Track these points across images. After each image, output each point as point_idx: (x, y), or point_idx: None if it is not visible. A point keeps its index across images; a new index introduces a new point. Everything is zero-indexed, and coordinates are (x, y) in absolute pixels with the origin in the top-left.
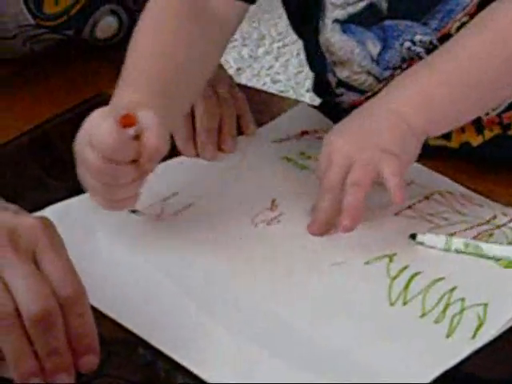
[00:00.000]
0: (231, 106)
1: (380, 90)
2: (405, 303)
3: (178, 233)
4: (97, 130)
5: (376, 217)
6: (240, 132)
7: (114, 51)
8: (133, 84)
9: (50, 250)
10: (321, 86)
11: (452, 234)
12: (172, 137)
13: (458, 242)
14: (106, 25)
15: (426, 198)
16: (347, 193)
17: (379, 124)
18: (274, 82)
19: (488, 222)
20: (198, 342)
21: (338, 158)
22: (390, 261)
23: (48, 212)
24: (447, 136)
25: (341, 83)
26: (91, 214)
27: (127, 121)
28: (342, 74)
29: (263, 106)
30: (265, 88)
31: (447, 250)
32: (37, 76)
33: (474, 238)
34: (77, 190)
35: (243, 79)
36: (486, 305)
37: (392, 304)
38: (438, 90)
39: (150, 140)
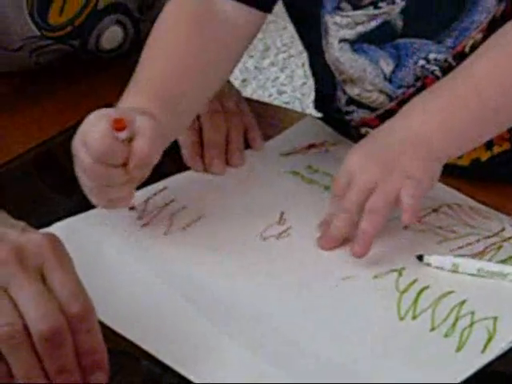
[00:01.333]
0: (238, 120)
1: (392, 108)
2: (414, 317)
3: (186, 247)
4: (90, 132)
5: (385, 231)
6: (247, 146)
7: (119, 65)
8: (138, 88)
9: (58, 267)
10: (325, 103)
11: (460, 248)
12: (180, 150)
13: (465, 266)
14: (112, 35)
15: (435, 210)
16: (365, 219)
17: (402, 147)
18: (280, 93)
19: (496, 234)
20: (208, 357)
21: (360, 180)
22: (399, 275)
23: (55, 228)
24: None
25: (351, 101)
26: (98, 230)
27: (119, 124)
28: (353, 91)
29: (269, 119)
30: (270, 99)
31: (455, 271)
32: (40, 91)
33: (482, 251)
34: (83, 205)
35: (249, 90)
36: (495, 318)
37: (402, 318)
38: (457, 114)
39: (139, 146)
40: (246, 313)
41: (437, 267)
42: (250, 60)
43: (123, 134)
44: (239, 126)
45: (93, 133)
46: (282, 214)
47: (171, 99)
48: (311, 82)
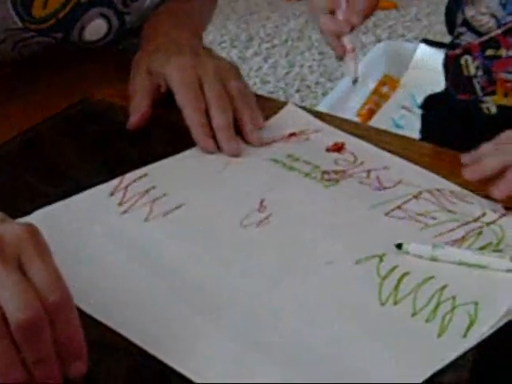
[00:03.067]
0: (243, 97)
1: (496, 36)
2: (395, 303)
3: (166, 234)
4: None
5: (366, 217)
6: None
7: (103, 53)
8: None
9: (36, 257)
10: (450, 24)
11: (441, 234)
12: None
13: (444, 256)
14: (95, 28)
15: (415, 197)
16: None
17: None
18: (264, 83)
19: (477, 219)
20: (189, 344)
21: None
22: (381, 261)
23: (34, 217)
24: None
25: (464, 22)
26: (78, 217)
27: None
28: (469, 13)
29: None
30: (254, 89)
31: (434, 259)
32: (23, 82)
33: (463, 237)
34: (67, 194)
35: None
36: (476, 303)
37: (383, 304)
38: None
39: None
40: (227, 300)
41: (415, 255)
42: (234, 50)
43: None
44: (244, 104)
45: None
46: (262, 201)
47: None
48: (295, 71)
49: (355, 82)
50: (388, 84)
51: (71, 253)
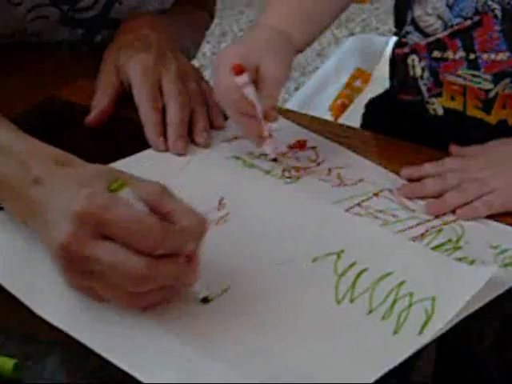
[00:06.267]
0: (202, 100)
1: (443, 38)
2: (352, 300)
3: None
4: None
5: (326, 214)
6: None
7: (63, 55)
8: (276, 9)
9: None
10: (399, 21)
11: (401, 231)
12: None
13: None
14: None
15: (376, 194)
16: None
17: None
18: None
19: (437, 217)
20: (146, 350)
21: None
22: (338, 258)
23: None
24: (487, 110)
25: (412, 21)
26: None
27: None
28: (416, 12)
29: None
30: None
31: None
32: (9, 67)
33: (423, 234)
34: None
35: (205, 76)
36: (433, 298)
37: (339, 302)
38: None
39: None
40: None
41: None
42: (207, 45)
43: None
44: (203, 105)
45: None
46: (222, 199)
47: (307, 18)
48: None
49: (275, 159)
50: (360, 78)
51: (33, 252)
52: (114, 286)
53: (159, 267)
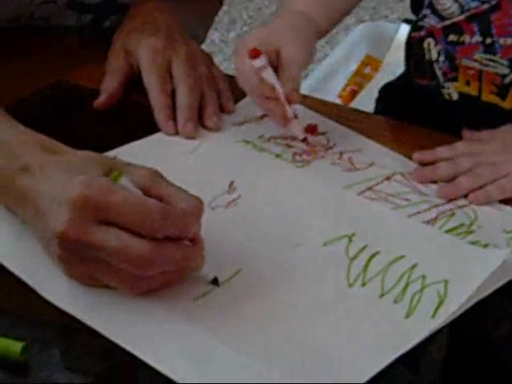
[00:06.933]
0: (211, 84)
1: (459, 22)
2: (364, 284)
3: None
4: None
5: (337, 198)
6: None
7: (71, 39)
8: None
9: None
10: (416, 3)
11: (412, 215)
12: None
13: None
14: None
15: (387, 178)
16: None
17: None
18: None
19: (450, 201)
20: (155, 334)
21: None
22: (350, 241)
23: None
24: (503, 95)
25: (429, 5)
26: None
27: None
28: None
29: (236, 91)
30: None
31: None
32: (14, 53)
33: (435, 218)
34: None
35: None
36: (446, 281)
37: (350, 285)
38: None
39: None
40: None
41: None
42: (216, 33)
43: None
44: (212, 89)
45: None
46: (232, 183)
47: (329, 4)
48: None
49: (305, 139)
50: (370, 65)
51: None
52: (116, 272)
53: (164, 250)
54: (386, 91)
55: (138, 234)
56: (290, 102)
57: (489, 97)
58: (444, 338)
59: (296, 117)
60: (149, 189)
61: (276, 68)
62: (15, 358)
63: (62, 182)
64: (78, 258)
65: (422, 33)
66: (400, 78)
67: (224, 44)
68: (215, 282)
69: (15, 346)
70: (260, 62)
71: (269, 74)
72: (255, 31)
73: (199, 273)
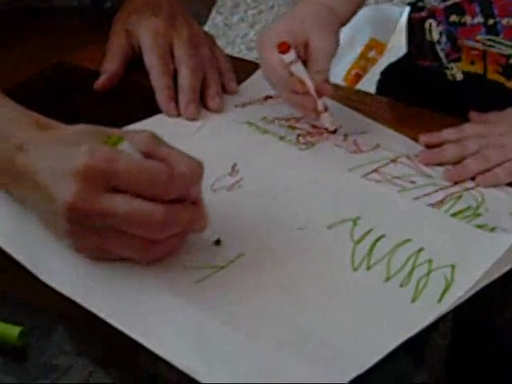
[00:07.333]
0: (214, 65)
1: (461, 1)
2: (368, 268)
3: None
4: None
5: (342, 181)
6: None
7: (72, 22)
8: None
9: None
10: None
11: (419, 197)
12: (154, 94)
13: None
14: None
15: (393, 161)
16: None
17: None
18: (250, 49)
19: (456, 184)
20: (156, 317)
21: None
22: (354, 224)
23: None
24: (508, 75)
25: None
26: None
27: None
28: None
29: (241, 73)
30: (239, 56)
31: None
32: (14, 37)
33: (441, 200)
34: None
35: None
36: (453, 266)
37: (355, 269)
38: None
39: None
40: None
41: None
42: (219, 16)
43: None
44: (214, 70)
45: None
46: (235, 165)
47: None
48: None
49: (335, 130)
50: (375, 48)
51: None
52: (128, 239)
53: (175, 212)
54: (388, 73)
55: (147, 198)
56: (320, 95)
57: (494, 76)
58: (448, 324)
59: (326, 109)
60: (150, 152)
61: (304, 60)
62: (13, 343)
63: (60, 155)
64: (88, 229)
65: (423, 13)
66: (401, 59)
67: (227, 27)
68: (218, 242)
69: (13, 331)
70: (290, 56)
71: (299, 68)
72: (279, 24)
73: (202, 235)
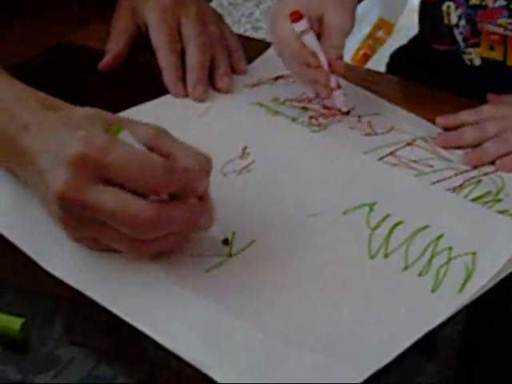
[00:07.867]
0: (223, 44)
1: None
2: (386, 255)
3: None
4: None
5: (356, 164)
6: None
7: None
8: None
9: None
10: None
11: (437, 181)
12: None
13: None
14: None
15: (409, 144)
16: None
17: None
18: (255, 29)
19: (475, 168)
20: (164, 308)
21: None
22: (370, 210)
23: None
24: None
25: None
26: None
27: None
28: None
29: (250, 52)
30: (246, 35)
31: None
32: (11, 16)
33: (461, 185)
34: None
35: None
36: (474, 253)
37: (372, 257)
38: None
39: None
40: None
41: None
42: None
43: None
44: (224, 49)
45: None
46: (245, 148)
47: None
48: None
49: (348, 112)
50: (383, 28)
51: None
52: (119, 234)
53: (167, 211)
54: (398, 56)
55: (140, 193)
56: (332, 71)
57: None
58: (462, 312)
59: (339, 87)
60: (154, 146)
61: (318, 35)
62: (14, 336)
63: (61, 138)
64: (79, 219)
65: None
66: (412, 41)
67: (233, 7)
68: (226, 242)
69: (14, 323)
70: (302, 25)
71: (311, 39)
72: None
73: (210, 232)
